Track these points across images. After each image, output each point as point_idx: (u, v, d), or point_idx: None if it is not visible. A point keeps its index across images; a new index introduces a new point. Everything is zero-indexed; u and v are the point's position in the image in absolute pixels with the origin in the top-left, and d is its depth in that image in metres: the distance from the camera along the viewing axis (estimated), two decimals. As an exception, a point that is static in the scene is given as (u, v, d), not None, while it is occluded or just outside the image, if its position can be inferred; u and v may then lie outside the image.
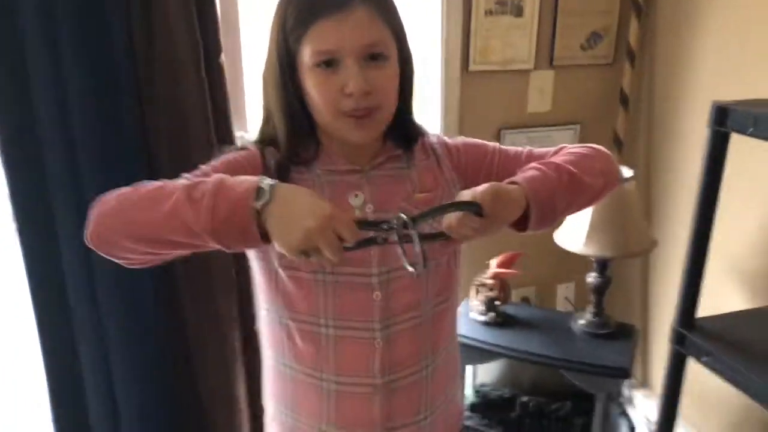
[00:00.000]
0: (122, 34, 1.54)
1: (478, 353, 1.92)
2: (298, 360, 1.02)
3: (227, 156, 0.99)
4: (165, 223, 0.81)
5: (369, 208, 0.98)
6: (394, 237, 0.82)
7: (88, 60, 1.52)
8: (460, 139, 1.10)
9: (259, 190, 0.78)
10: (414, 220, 0.81)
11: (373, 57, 0.90)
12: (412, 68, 1.00)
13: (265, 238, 0.80)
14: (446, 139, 1.09)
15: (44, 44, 1.48)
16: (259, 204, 0.78)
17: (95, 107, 1.55)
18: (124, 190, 0.86)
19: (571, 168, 0.97)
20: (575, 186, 0.97)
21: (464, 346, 1.84)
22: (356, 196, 0.99)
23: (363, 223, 0.83)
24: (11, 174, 1.54)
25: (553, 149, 1.07)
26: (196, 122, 1.62)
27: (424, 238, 0.84)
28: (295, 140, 0.98)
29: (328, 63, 0.90)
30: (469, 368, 2.13)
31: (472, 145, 1.09)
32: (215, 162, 0.98)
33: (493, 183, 0.88)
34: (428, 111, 2.09)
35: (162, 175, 1.58)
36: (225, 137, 1.68)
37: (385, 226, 0.82)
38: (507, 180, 0.93)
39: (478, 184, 0.89)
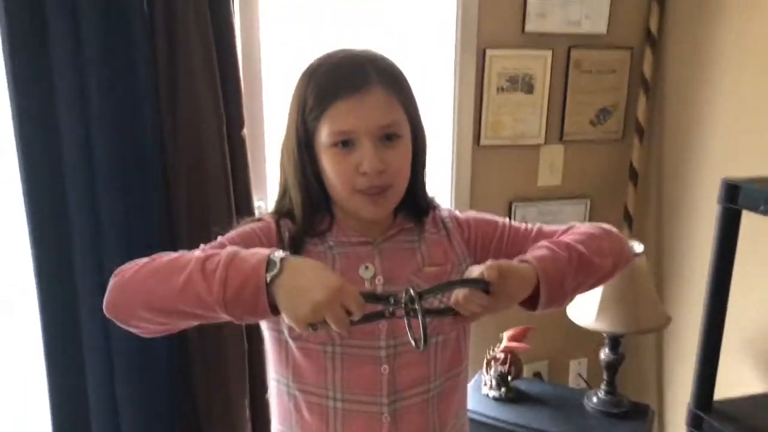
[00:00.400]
0: (149, 105, 1.60)
1: (484, 429, 1.87)
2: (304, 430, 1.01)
3: (244, 228, 1.01)
4: (179, 294, 0.82)
5: (379, 280, 0.99)
6: (401, 311, 0.83)
7: (116, 129, 1.58)
8: (471, 214, 1.12)
9: (269, 262, 0.80)
10: (421, 295, 0.81)
11: (387, 137, 0.94)
12: (425, 144, 1.03)
13: (275, 310, 0.81)
14: (457, 213, 1.11)
15: (76, 116, 1.54)
16: (269, 276, 0.79)
17: (121, 177, 1.60)
18: (142, 261, 0.88)
19: (581, 248, 0.98)
20: (585, 266, 0.98)
21: (474, 422, 1.79)
22: (367, 268, 1.00)
23: (370, 297, 0.83)
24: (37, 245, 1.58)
25: (562, 227, 1.08)
26: (217, 193, 1.66)
27: (432, 313, 0.85)
28: (310, 213, 1.00)
29: (345, 143, 0.93)
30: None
31: (483, 220, 1.10)
32: (232, 233, 1.00)
33: (502, 260, 0.89)
34: (439, 184, 2.12)
35: (181, 243, 1.64)
36: (244, 207, 1.72)
37: (392, 300, 0.83)
38: (517, 258, 0.94)
39: (487, 259, 0.91)
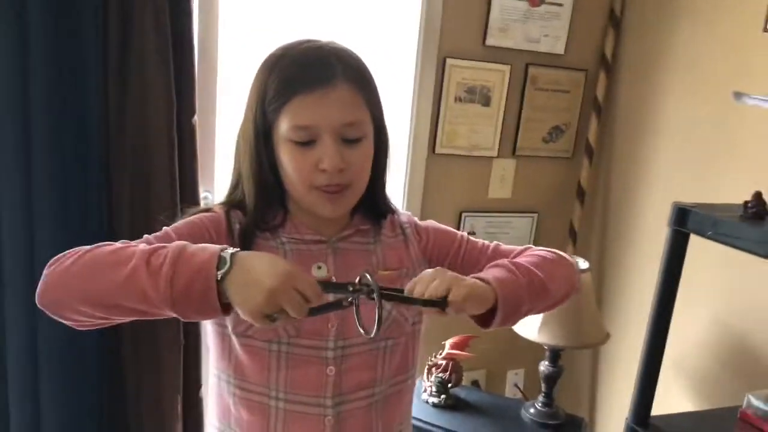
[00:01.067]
0: (95, 85, 1.53)
1: (425, 437, 1.87)
2: (242, 429, 0.98)
3: (192, 219, 0.97)
4: (121, 289, 0.78)
5: (332, 280, 0.97)
6: (359, 298, 0.82)
7: (57, 103, 1.50)
8: (431, 223, 1.11)
9: (220, 259, 0.77)
10: (379, 288, 0.81)
11: (349, 137, 0.91)
12: (387, 145, 1.02)
13: (225, 309, 0.78)
14: (416, 220, 1.10)
15: (15, 90, 1.46)
16: (219, 273, 0.76)
17: (60, 155, 1.52)
18: (82, 249, 0.82)
19: (539, 273, 0.97)
20: (541, 292, 0.97)
21: (415, 428, 1.77)
22: (319, 267, 0.98)
23: (326, 285, 0.82)
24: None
25: (519, 248, 1.08)
26: (162, 180, 1.60)
27: (391, 297, 0.85)
28: (263, 207, 0.98)
29: (306, 139, 0.90)
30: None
31: (442, 231, 1.10)
32: (180, 223, 0.95)
33: (470, 282, 0.87)
34: (392, 190, 2.10)
35: (122, 232, 1.57)
36: (190, 198, 1.66)
37: (350, 288, 0.82)
38: (475, 275, 0.93)
39: None
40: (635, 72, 2.14)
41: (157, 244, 0.81)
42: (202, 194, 1.74)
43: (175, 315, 0.79)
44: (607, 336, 1.91)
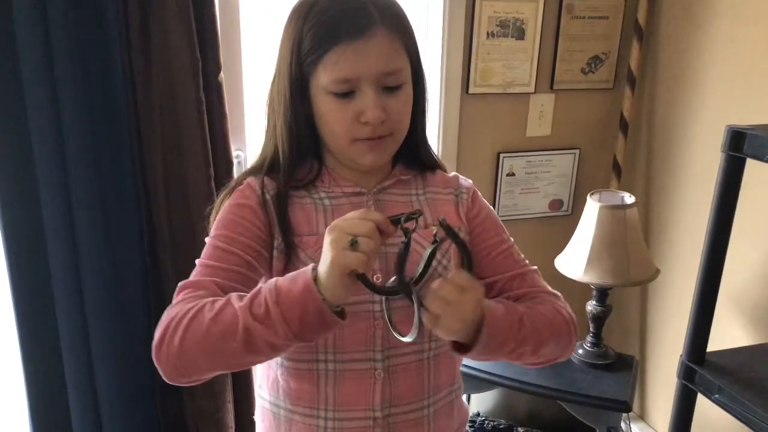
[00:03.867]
0: (120, 51, 1.50)
1: (474, 382, 1.86)
2: (293, 400, 0.97)
3: (228, 216, 0.94)
4: (246, 352, 0.80)
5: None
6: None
7: (83, 73, 1.48)
8: (488, 206, 1.05)
9: (315, 281, 0.78)
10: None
11: (390, 84, 0.88)
12: (425, 90, 0.98)
13: (341, 314, 0.80)
14: (477, 191, 1.05)
15: (41, 67, 1.44)
16: (322, 293, 0.77)
17: (91, 125, 1.51)
18: (178, 315, 0.82)
19: (537, 339, 0.90)
20: (522, 356, 0.91)
21: (465, 375, 1.76)
22: None
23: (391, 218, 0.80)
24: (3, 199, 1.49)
25: (546, 289, 0.99)
26: (193, 142, 1.58)
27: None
28: (297, 160, 0.95)
29: (346, 91, 0.87)
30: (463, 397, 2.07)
31: (495, 219, 1.04)
32: (223, 230, 0.93)
33: (470, 319, 0.82)
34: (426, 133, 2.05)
35: (158, 198, 1.56)
36: (222, 157, 1.65)
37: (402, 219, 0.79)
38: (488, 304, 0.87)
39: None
40: (680, -9, 1.99)
41: (243, 294, 0.82)
42: (234, 153, 1.72)
43: (301, 343, 0.82)
44: (657, 272, 1.85)
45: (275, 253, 0.92)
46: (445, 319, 0.80)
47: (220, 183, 1.63)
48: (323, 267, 0.77)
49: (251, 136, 1.82)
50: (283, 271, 0.91)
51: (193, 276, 0.91)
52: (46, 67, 1.44)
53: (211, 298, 0.84)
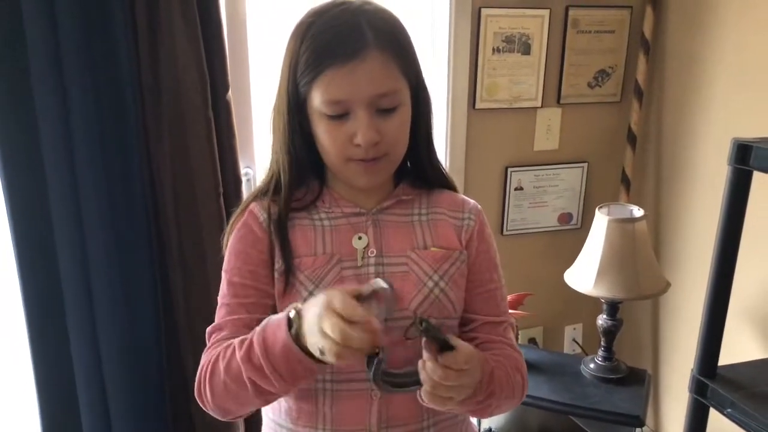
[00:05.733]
0: (130, 70, 1.52)
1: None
2: (293, 419, 0.97)
3: (235, 247, 0.96)
4: (259, 397, 0.86)
5: (371, 252, 0.95)
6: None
7: (94, 93, 1.50)
8: (492, 242, 1.04)
9: (290, 323, 0.80)
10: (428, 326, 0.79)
11: (384, 106, 0.88)
12: (429, 108, 0.98)
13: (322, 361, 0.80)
14: (484, 218, 1.04)
15: (52, 84, 1.47)
16: (293, 334, 0.80)
17: (101, 145, 1.54)
18: (205, 368, 0.91)
19: (498, 400, 0.92)
20: (487, 409, 0.93)
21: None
22: (360, 238, 0.96)
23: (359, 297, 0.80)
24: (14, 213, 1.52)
25: (513, 348, 0.99)
26: (202, 161, 1.60)
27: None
28: (298, 181, 0.96)
29: (339, 113, 0.87)
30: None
31: (492, 258, 1.03)
32: (232, 261, 0.96)
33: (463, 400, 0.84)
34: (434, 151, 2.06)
35: (167, 216, 1.59)
36: (231, 175, 1.67)
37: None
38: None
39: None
40: (684, 4, 2.00)
41: (241, 342, 0.85)
42: (242, 170, 1.73)
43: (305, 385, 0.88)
44: (668, 285, 1.84)
45: (276, 275, 0.93)
46: (457, 397, 0.81)
47: (229, 200, 1.65)
48: (312, 338, 0.77)
49: (260, 153, 1.84)
50: (284, 293, 0.93)
51: (217, 317, 0.96)
52: (57, 90, 1.47)
53: (224, 345, 0.89)
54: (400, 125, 0.91)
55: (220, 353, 0.88)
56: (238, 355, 0.84)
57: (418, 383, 0.81)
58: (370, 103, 0.87)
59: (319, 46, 0.86)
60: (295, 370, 0.81)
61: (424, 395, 0.81)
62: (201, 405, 0.92)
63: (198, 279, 1.67)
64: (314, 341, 0.76)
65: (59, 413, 1.65)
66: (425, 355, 0.80)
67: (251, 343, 0.84)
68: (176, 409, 1.76)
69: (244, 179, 1.73)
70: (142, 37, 1.51)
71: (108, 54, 1.50)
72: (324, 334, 0.74)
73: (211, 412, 0.93)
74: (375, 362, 0.79)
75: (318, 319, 0.75)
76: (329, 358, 0.75)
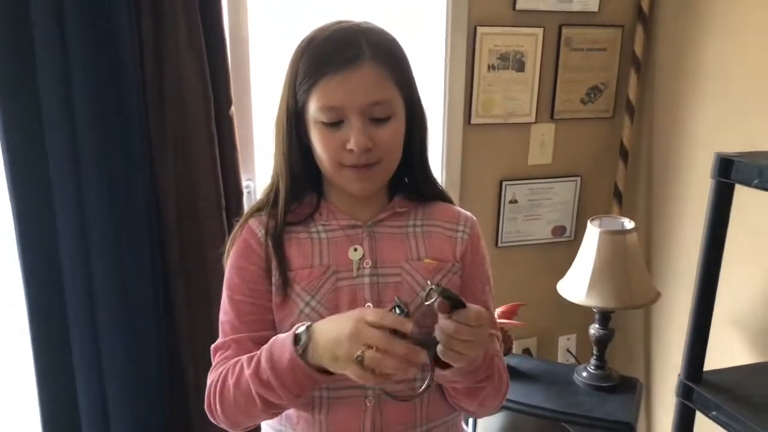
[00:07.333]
0: (135, 85, 1.57)
1: (481, 406, 1.89)
2: (292, 425, 1.00)
3: (236, 264, 1.01)
4: (268, 410, 0.92)
5: (367, 263, 0.98)
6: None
7: (99, 108, 1.55)
8: (485, 255, 1.08)
9: (297, 339, 0.86)
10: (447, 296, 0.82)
11: (377, 115, 0.92)
12: (423, 122, 1.01)
13: (330, 373, 0.86)
14: (479, 231, 1.07)
15: (57, 100, 1.52)
16: (300, 349, 0.85)
17: (107, 159, 1.58)
18: (215, 384, 0.96)
19: (493, 387, 0.98)
20: (481, 393, 0.97)
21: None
22: (355, 249, 0.99)
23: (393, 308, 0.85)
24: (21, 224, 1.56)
25: (498, 356, 1.02)
26: (204, 174, 1.65)
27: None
28: (295, 194, 1.00)
29: (334, 120, 0.91)
30: (464, 423, 2.09)
31: (484, 271, 1.07)
32: (233, 278, 1.01)
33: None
34: (430, 163, 2.11)
35: (170, 227, 1.63)
36: (233, 188, 1.71)
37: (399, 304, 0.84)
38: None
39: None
40: (674, 24, 2.06)
41: (249, 359, 0.91)
42: (244, 183, 1.78)
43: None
44: (658, 295, 1.89)
45: (273, 288, 0.97)
46: (469, 354, 0.84)
47: (231, 212, 1.70)
48: (327, 355, 0.83)
49: (261, 166, 1.89)
50: (281, 305, 0.97)
51: (221, 334, 1.00)
52: (62, 106, 1.52)
53: (233, 362, 0.94)
54: (392, 134, 0.94)
55: (228, 369, 0.93)
56: (247, 372, 0.90)
57: (436, 342, 0.84)
58: (363, 111, 0.91)
59: (317, 57, 0.91)
60: (301, 382, 0.86)
61: (440, 352, 0.83)
62: (211, 419, 0.97)
63: (201, 291, 1.71)
64: (347, 351, 0.80)
65: (60, 417, 1.68)
66: (440, 316, 0.83)
67: (259, 359, 0.89)
68: (175, 415, 1.79)
69: (245, 191, 1.77)
70: (147, 53, 1.56)
71: (114, 70, 1.55)
72: (364, 345, 0.79)
73: (221, 425, 0.98)
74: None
75: (353, 331, 0.80)
76: (368, 365, 0.79)
